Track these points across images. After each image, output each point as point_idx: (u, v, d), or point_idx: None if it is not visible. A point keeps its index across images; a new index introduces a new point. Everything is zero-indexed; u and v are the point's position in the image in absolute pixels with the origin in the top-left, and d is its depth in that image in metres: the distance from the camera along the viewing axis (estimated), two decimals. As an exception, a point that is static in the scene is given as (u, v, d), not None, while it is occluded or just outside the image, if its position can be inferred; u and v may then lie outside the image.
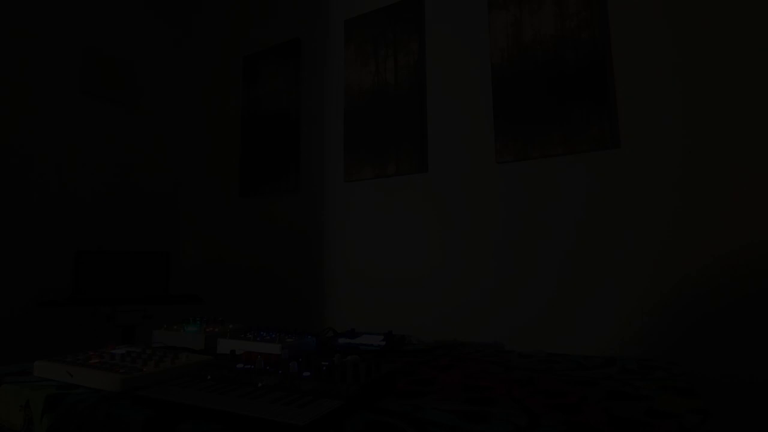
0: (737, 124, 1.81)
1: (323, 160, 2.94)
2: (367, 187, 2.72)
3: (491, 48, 2.36)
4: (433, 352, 1.61)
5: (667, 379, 1.06)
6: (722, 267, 1.79)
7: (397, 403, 0.87)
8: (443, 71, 2.55)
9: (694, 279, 1.84)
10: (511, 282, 2.22)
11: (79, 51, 3.06)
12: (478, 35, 2.45)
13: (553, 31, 2.19)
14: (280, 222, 3.09)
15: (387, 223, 2.63)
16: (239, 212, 3.31)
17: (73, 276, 2.61)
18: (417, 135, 2.53)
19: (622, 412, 0.79)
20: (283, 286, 3.01)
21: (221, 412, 0.71)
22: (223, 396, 0.79)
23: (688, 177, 1.88)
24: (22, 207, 2.69)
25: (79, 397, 0.88)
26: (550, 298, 2.11)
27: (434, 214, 2.48)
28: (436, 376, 1.11)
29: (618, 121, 2.04)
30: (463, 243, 2.37)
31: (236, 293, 3.23)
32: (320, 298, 2.83)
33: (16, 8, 2.74)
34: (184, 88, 3.79)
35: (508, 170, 2.29)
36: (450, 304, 2.37)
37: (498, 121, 2.30)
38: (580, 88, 2.10)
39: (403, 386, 1.03)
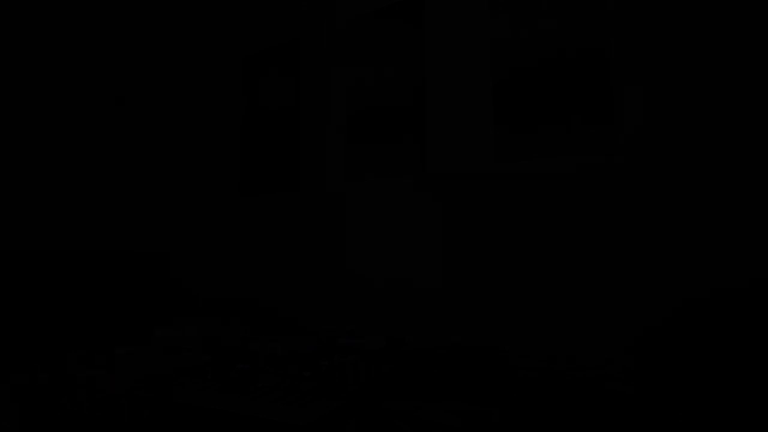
0: (740, 125, 1.81)
1: (323, 160, 2.94)
2: (367, 186, 2.72)
3: (491, 48, 2.36)
4: (433, 353, 1.61)
5: (663, 378, 1.06)
6: (722, 267, 1.79)
7: (397, 403, 0.87)
8: (443, 71, 2.55)
9: (693, 279, 1.83)
10: (510, 283, 2.21)
11: (87, 53, 3.06)
12: (479, 35, 2.45)
13: (554, 32, 2.19)
14: (280, 221, 3.09)
15: (386, 222, 2.63)
16: (240, 212, 3.31)
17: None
18: (417, 135, 2.54)
19: (621, 412, 0.79)
20: (283, 285, 3.01)
21: (221, 412, 0.71)
22: (223, 396, 0.79)
23: (688, 180, 1.88)
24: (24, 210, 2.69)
25: (79, 397, 0.88)
26: (549, 300, 2.11)
27: (434, 214, 2.48)
28: (435, 376, 1.11)
29: (618, 121, 2.04)
30: (462, 242, 2.37)
31: (237, 293, 3.23)
32: (320, 298, 2.82)
33: (35, 17, 2.74)
34: (185, 88, 3.79)
35: (508, 170, 2.29)
36: (450, 305, 2.37)
37: (498, 121, 2.30)
38: (581, 89, 2.10)
39: (403, 386, 1.02)
